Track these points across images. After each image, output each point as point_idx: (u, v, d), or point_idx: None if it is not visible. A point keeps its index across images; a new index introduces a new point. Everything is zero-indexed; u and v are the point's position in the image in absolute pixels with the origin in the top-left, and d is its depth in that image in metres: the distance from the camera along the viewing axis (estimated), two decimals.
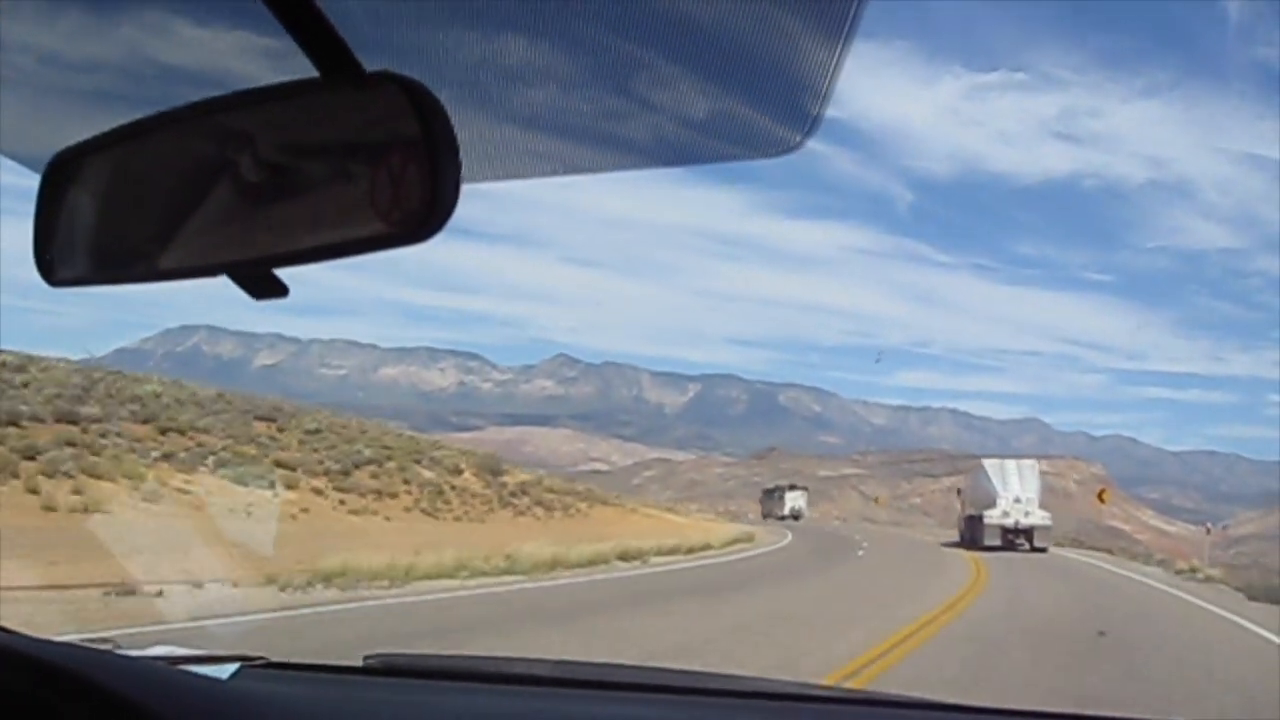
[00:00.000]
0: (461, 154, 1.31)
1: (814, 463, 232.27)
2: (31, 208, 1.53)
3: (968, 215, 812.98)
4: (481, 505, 43.70)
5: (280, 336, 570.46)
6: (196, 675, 2.31)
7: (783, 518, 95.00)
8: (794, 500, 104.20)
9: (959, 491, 71.68)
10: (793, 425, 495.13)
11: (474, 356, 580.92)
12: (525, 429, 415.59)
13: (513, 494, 47.25)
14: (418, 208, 1.27)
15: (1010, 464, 58.90)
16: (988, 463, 60.80)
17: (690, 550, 37.08)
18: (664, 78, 1.51)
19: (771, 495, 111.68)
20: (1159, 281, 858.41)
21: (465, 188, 1.28)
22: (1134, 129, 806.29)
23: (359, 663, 2.96)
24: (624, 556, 30.56)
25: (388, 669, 2.96)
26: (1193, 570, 36.96)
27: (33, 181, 1.55)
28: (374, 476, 39.69)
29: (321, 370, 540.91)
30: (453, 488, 43.70)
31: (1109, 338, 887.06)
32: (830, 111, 1.43)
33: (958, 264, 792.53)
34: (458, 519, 40.25)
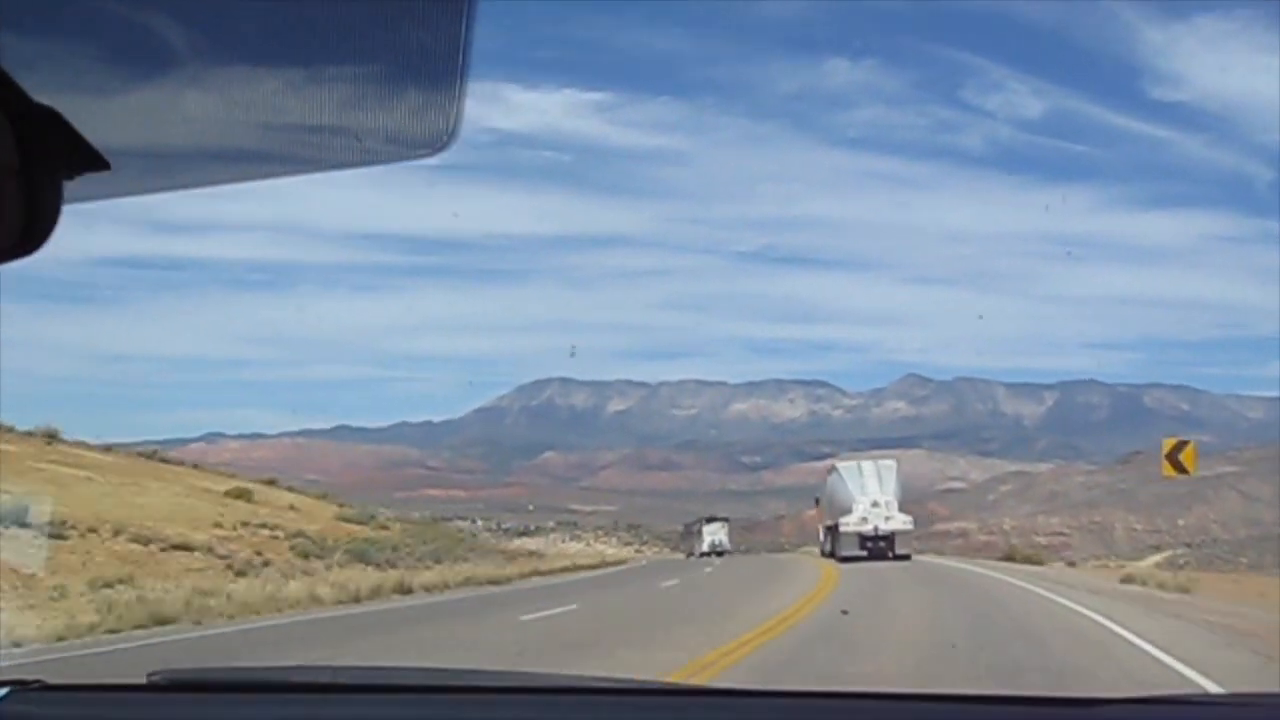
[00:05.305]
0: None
1: None
2: None
3: None
4: None
5: (629, 382, 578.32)
6: None
7: (704, 554, 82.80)
8: (713, 534, 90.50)
9: (817, 500, 63.06)
10: (1160, 427, 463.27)
11: (821, 384, 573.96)
12: (879, 453, 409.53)
13: None
14: (19, 226, 1.35)
15: (867, 464, 52.98)
16: (841, 465, 54.54)
17: None
18: (314, 84, 1.59)
19: (690, 530, 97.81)
20: None
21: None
22: None
23: (142, 680, 2.94)
24: None
25: (173, 685, 2.97)
26: None
27: None
28: None
29: (673, 411, 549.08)
30: None
31: None
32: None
33: None
34: None
